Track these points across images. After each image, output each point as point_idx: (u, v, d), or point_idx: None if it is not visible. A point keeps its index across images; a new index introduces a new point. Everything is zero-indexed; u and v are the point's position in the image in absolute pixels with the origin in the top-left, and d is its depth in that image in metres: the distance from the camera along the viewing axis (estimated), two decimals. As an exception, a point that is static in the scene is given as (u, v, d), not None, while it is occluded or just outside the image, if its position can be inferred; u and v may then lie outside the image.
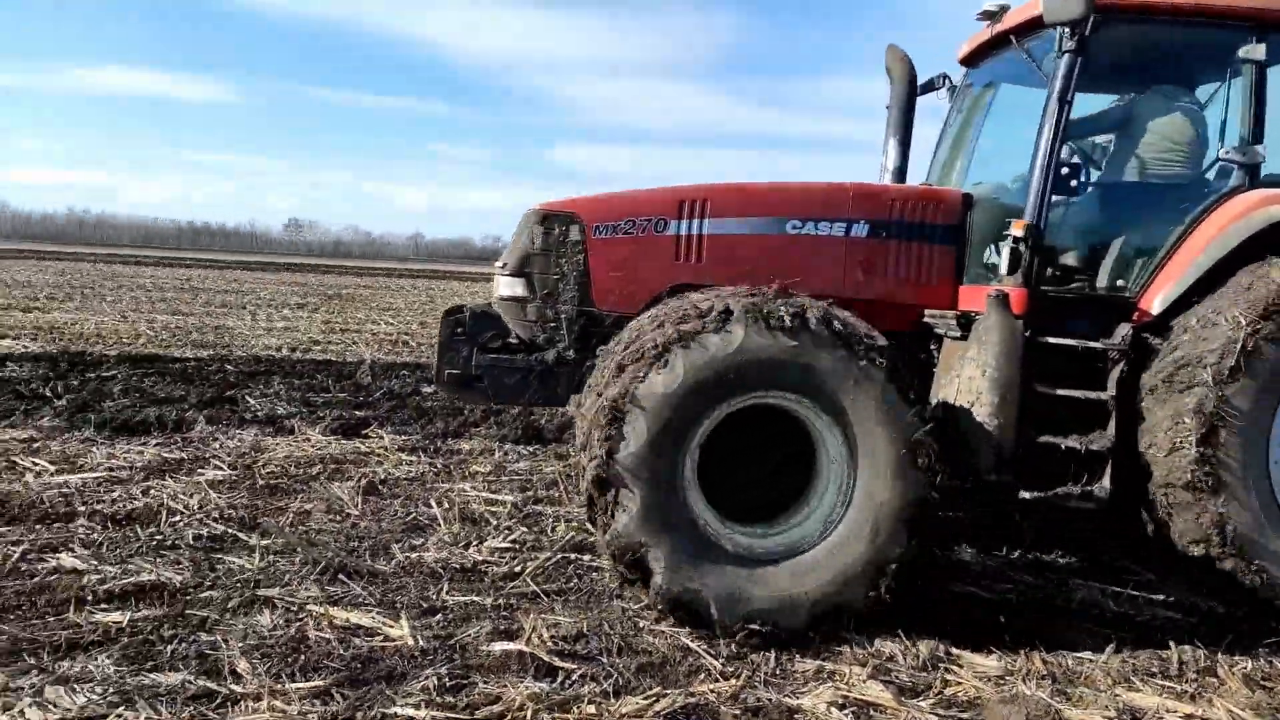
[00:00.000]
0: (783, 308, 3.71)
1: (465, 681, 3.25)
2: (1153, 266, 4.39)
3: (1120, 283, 4.51)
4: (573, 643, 3.60)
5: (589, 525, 4.32)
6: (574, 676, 3.33)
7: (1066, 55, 4.30)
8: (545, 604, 4.00)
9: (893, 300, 4.65)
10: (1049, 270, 4.53)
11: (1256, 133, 4.38)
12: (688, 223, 4.59)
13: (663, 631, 3.73)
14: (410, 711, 3.02)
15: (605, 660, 3.48)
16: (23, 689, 3.02)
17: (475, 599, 4.02)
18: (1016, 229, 4.28)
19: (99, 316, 16.17)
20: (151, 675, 3.17)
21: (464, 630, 3.65)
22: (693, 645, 3.62)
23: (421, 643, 3.52)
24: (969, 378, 4.14)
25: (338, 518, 5.12)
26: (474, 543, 4.82)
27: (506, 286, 4.68)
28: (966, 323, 4.35)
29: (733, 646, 3.61)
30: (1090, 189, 5.00)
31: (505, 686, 3.19)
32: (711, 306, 3.76)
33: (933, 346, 4.75)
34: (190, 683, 3.13)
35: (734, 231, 4.63)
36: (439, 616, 3.80)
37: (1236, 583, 3.96)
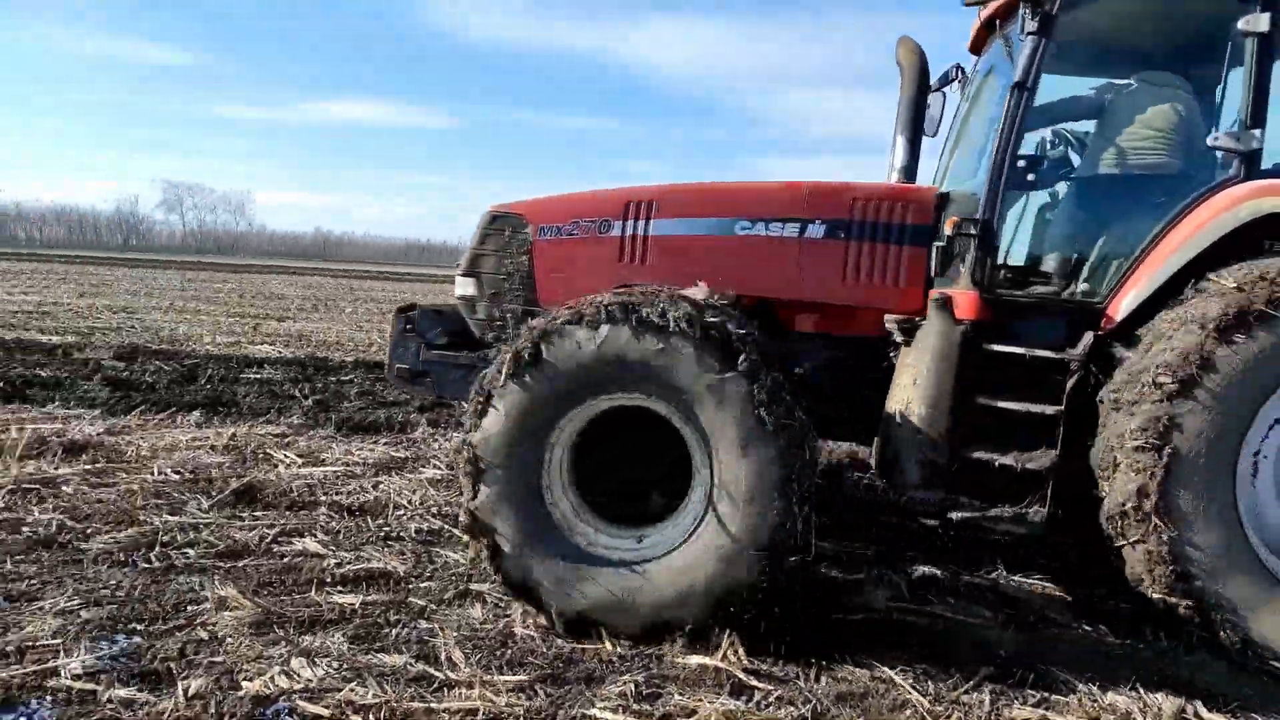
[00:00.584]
0: (647, 307, 3.51)
1: (660, 691, 3.28)
2: (1125, 269, 3.89)
3: (1087, 287, 4.05)
4: (768, 662, 3.54)
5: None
6: (770, 698, 3.27)
7: (1029, 37, 3.94)
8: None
9: (856, 304, 4.34)
10: (1005, 273, 4.17)
11: (1256, 116, 3.76)
12: (633, 224, 4.48)
13: (866, 660, 3.59)
14: (608, 715, 3.09)
15: (802, 684, 3.40)
16: (272, 658, 3.38)
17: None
18: (948, 227, 3.96)
19: (338, 326, 17.96)
20: (378, 655, 3.44)
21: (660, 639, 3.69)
22: (898, 679, 3.45)
23: (619, 649, 3.59)
24: (904, 386, 3.90)
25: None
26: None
27: (460, 286, 4.73)
28: (914, 328, 4.04)
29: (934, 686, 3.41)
30: (1060, 183, 4.50)
31: (700, 700, 3.19)
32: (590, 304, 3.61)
33: (891, 353, 4.36)
34: (410, 665, 3.37)
35: (681, 233, 4.46)
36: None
37: (1184, 623, 3.51)
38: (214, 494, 5.38)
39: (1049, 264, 4.26)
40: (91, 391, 8.57)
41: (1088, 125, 4.66)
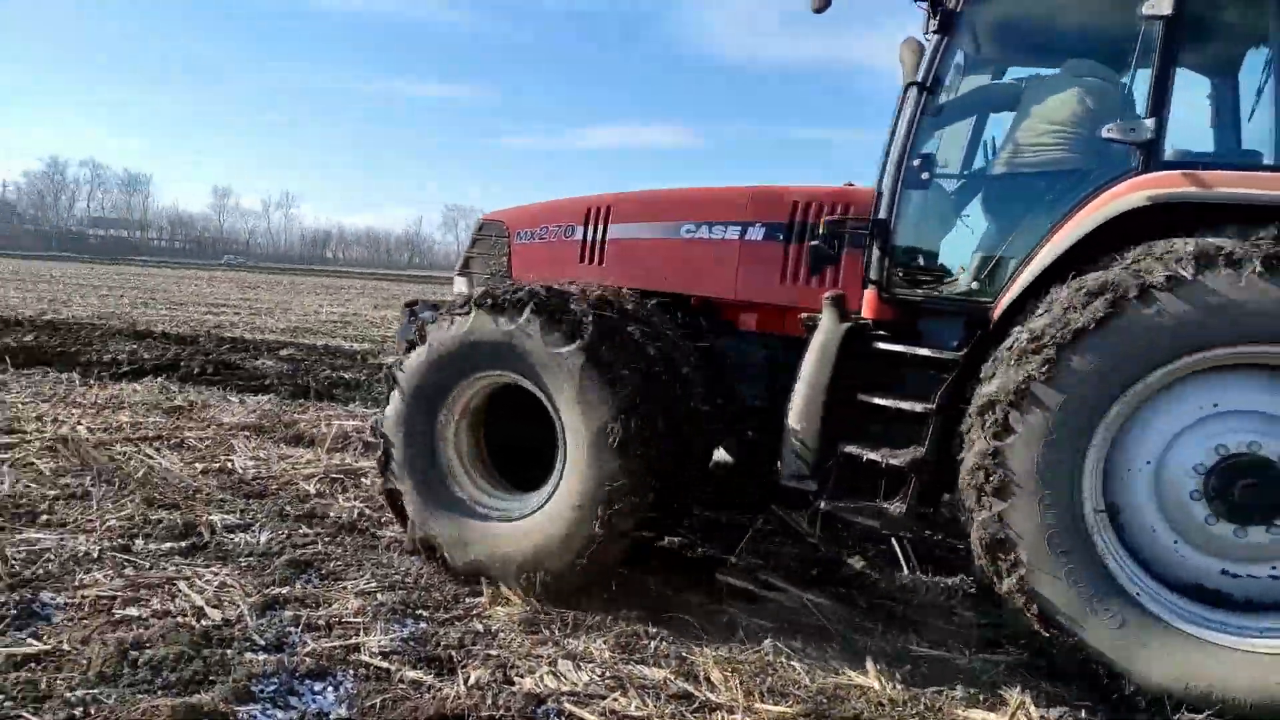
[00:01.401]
0: (506, 295, 3.97)
1: (938, 744, 2.99)
2: (1015, 268, 3.75)
3: (978, 286, 3.96)
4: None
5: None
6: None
7: (932, 36, 3.95)
8: (1030, 678, 3.54)
9: (796, 304, 4.31)
10: (903, 273, 4.09)
11: (1156, 105, 3.54)
12: (593, 228, 4.87)
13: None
14: (880, 763, 2.86)
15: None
16: (541, 657, 3.48)
17: (948, 655, 3.72)
18: (820, 227, 4.13)
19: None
20: (639, 667, 3.44)
21: (936, 689, 3.38)
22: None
23: (890, 693, 3.33)
24: (794, 380, 3.95)
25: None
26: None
27: (456, 284, 5.34)
28: (815, 326, 4.04)
29: None
30: (963, 181, 4.42)
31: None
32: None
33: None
34: (671, 681, 3.33)
35: (633, 236, 4.78)
36: (908, 668, 3.57)
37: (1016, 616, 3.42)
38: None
39: (949, 263, 4.22)
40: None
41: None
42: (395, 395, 4.28)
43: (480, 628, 3.75)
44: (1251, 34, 3.92)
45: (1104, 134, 3.60)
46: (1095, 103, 3.92)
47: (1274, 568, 3.22)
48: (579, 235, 4.96)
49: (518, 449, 4.34)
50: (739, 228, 4.50)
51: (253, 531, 4.74)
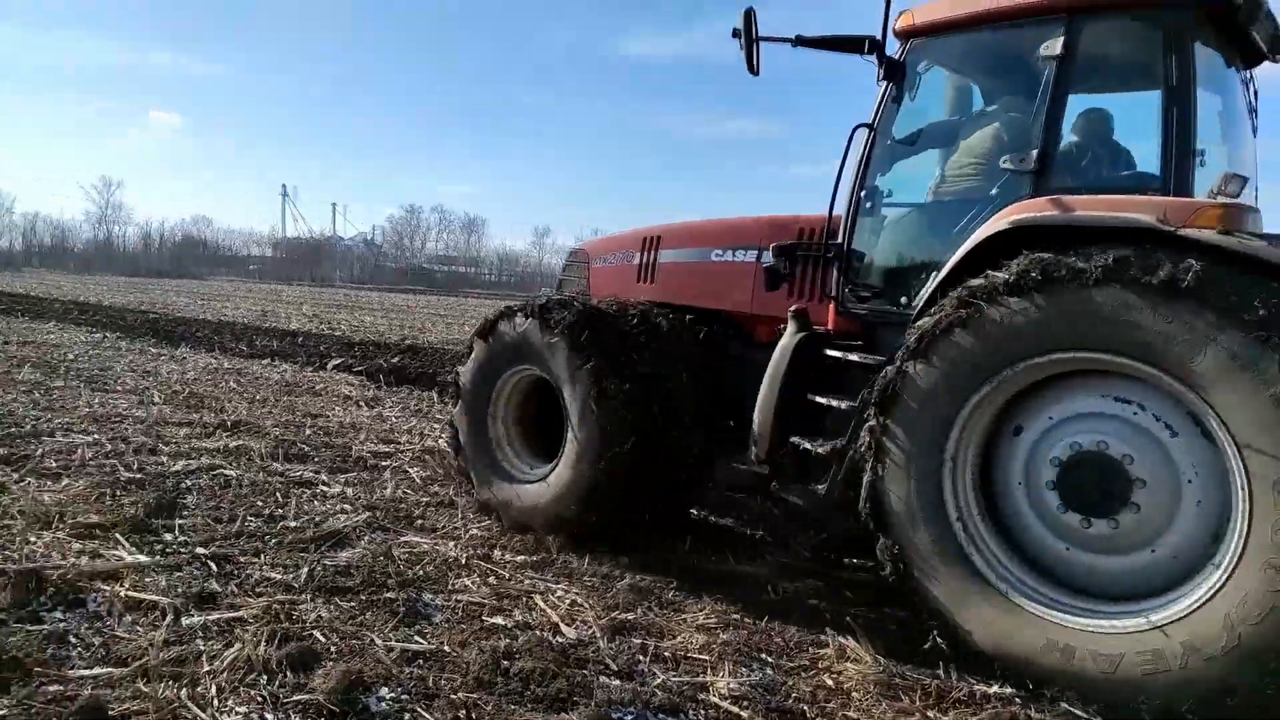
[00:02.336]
0: (511, 308, 5.26)
1: None
2: (931, 286, 4.02)
3: (905, 300, 4.34)
4: None
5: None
6: None
7: (881, 83, 4.50)
8: None
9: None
10: (851, 290, 4.58)
11: (1044, 137, 3.93)
12: (647, 254, 5.78)
13: None
14: None
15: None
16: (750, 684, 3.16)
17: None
18: (770, 252, 4.84)
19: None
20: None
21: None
22: None
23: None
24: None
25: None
26: None
27: None
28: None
29: None
30: (905, 210, 4.73)
31: None
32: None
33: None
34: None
35: (676, 260, 5.64)
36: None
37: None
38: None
39: (888, 282, 4.54)
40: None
41: None
42: (464, 383, 5.56)
43: (830, 683, 3.51)
44: (1138, 69, 4.14)
45: (1001, 165, 4.07)
46: (1009, 137, 4.22)
47: (1101, 559, 3.49)
48: (636, 260, 5.94)
49: (552, 429, 5.24)
50: (755, 251, 5.17)
51: (594, 556, 4.88)
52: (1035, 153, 3.91)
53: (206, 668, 3.18)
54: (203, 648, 3.36)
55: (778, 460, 4.50)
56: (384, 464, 6.72)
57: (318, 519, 5.21)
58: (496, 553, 4.85)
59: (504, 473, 5.39)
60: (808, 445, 4.32)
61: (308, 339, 17.09)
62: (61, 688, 3.01)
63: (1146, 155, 4.03)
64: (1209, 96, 4.01)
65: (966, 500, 3.72)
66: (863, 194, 4.56)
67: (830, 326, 4.68)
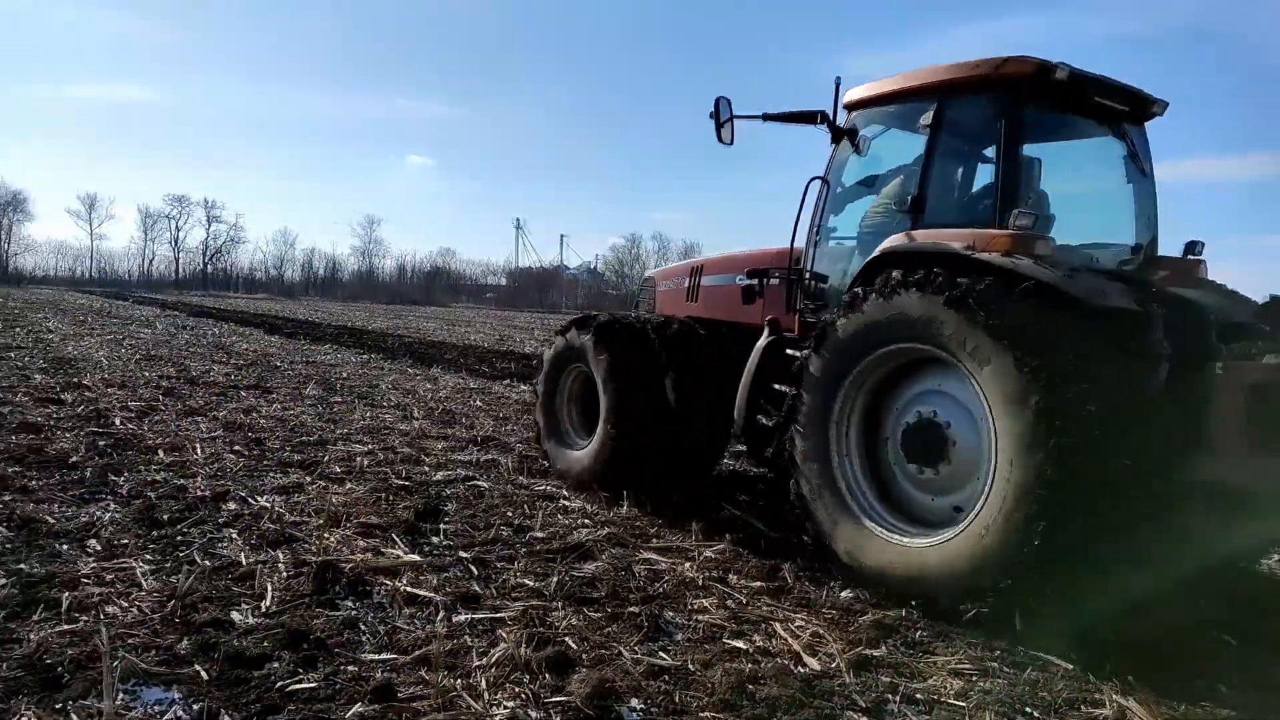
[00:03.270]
0: (565, 323, 7.19)
1: None
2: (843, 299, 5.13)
3: (836, 311, 5.11)
4: None
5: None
6: None
7: (831, 144, 5.83)
8: None
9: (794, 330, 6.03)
10: (803, 303, 5.90)
11: (921, 187, 5.10)
12: (693, 280, 7.31)
13: None
14: None
15: None
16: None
17: None
18: (744, 277, 6.46)
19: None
20: None
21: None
22: None
23: None
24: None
25: None
26: None
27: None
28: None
29: None
30: (845, 242, 5.87)
31: None
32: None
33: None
34: None
35: (711, 284, 7.10)
36: None
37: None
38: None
39: (832, 297, 5.67)
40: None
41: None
42: (541, 378, 7.27)
43: (1110, 748, 3.18)
44: (983, 133, 5.22)
45: (894, 207, 5.35)
46: (903, 187, 5.40)
47: (932, 499, 4.72)
48: (685, 284, 7.38)
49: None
50: (764, 275, 6.36)
51: (832, 587, 4.77)
52: (911, 198, 5.15)
53: (477, 662, 3.43)
54: (471, 643, 3.63)
55: (749, 433, 5.82)
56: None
57: (562, 531, 5.49)
58: (732, 577, 4.86)
59: (567, 444, 7.07)
60: (764, 420, 5.64)
61: (541, 363, 18.13)
62: (356, 669, 3.37)
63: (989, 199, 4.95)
64: (1076, 150, 5.50)
65: (848, 451, 5.01)
66: (815, 230, 5.86)
67: (797, 332, 5.85)
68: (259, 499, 5.75)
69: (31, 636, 3.42)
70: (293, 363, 15.22)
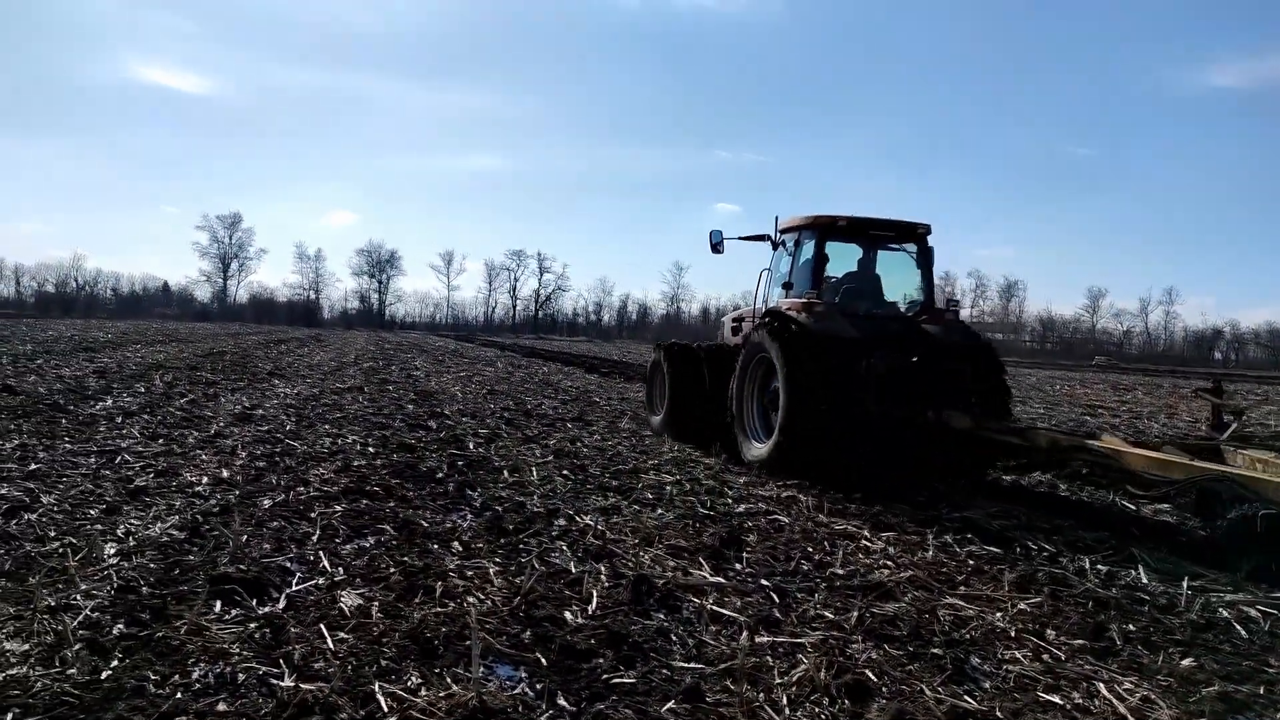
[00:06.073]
0: (663, 346, 12.25)
1: None
2: None
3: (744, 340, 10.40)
4: None
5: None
6: None
7: (772, 252, 11.12)
8: None
9: None
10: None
11: (787, 278, 10.37)
12: (743, 322, 11.47)
13: None
14: None
15: None
16: None
17: None
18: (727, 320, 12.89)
19: None
20: None
21: None
22: None
23: None
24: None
25: None
26: None
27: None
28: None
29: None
30: (769, 302, 10.73)
31: None
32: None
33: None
34: None
35: (728, 325, 12.41)
36: None
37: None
38: None
39: None
40: None
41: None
42: (648, 385, 12.73)
43: None
44: (814, 249, 10.06)
45: (779, 286, 10.47)
46: (783, 276, 10.54)
47: (775, 424, 9.09)
48: (738, 324, 11.87)
49: None
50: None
51: (1170, 653, 4.30)
52: (783, 282, 10.31)
53: (778, 680, 3.61)
54: (772, 663, 3.81)
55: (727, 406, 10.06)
56: (925, 529, 6.77)
57: (862, 570, 5.49)
58: (1050, 632, 4.55)
59: (655, 415, 12.02)
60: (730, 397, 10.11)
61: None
62: (668, 672, 3.70)
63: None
64: (881, 256, 10.51)
65: (750, 408, 9.74)
66: (766, 297, 10.77)
67: None
68: (584, 517, 6.42)
69: (415, 615, 4.17)
70: (608, 399, 16.57)
